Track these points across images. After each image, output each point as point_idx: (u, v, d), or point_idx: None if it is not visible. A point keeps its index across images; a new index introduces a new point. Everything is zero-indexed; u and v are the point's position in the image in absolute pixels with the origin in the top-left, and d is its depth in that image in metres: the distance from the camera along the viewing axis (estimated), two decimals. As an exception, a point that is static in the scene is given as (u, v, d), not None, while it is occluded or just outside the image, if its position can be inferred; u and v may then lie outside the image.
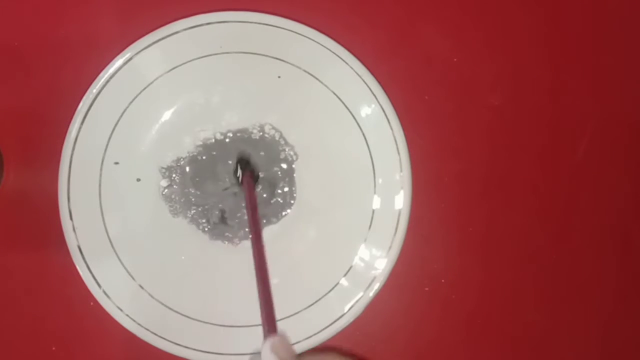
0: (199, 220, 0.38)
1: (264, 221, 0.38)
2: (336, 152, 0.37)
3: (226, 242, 0.38)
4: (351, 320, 0.36)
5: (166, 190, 0.37)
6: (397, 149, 0.37)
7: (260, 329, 0.28)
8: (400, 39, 0.38)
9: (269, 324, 0.28)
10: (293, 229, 0.38)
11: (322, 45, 0.36)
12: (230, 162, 0.38)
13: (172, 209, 0.37)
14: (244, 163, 0.37)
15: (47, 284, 0.37)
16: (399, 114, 0.37)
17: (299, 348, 0.36)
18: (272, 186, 0.38)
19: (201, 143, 0.38)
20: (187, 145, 0.37)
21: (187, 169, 0.38)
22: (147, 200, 0.37)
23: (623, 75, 0.39)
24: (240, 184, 0.37)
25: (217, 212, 0.38)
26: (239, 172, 0.37)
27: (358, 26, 0.38)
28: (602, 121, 0.39)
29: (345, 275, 0.37)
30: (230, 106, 0.37)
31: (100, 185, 0.37)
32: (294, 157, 0.38)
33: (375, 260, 0.37)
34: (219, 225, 0.38)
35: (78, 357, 0.38)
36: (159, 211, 0.37)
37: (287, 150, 0.38)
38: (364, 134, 0.37)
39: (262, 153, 0.38)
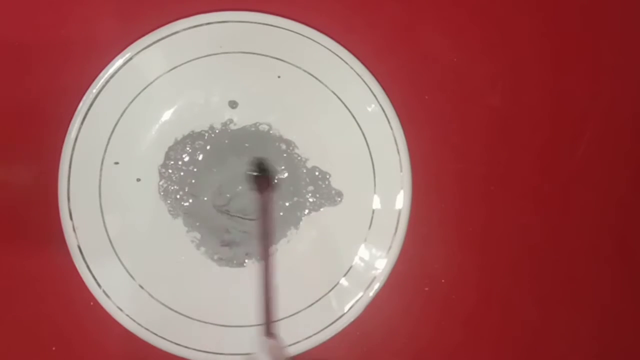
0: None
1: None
2: (336, 152, 0.37)
3: (226, 242, 0.38)
4: (351, 320, 0.36)
5: (165, 190, 0.37)
6: (397, 149, 0.37)
7: (260, 330, 0.28)
8: (400, 39, 0.38)
9: (267, 327, 0.28)
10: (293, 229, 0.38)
11: (322, 45, 0.36)
12: (228, 162, 0.38)
13: (171, 209, 0.37)
14: (260, 168, 0.37)
15: (47, 284, 0.37)
16: (399, 114, 0.37)
17: (299, 348, 0.36)
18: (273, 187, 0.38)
19: (202, 143, 0.38)
20: (187, 145, 0.38)
21: (187, 169, 0.38)
22: (147, 200, 0.37)
23: (623, 75, 0.39)
24: (258, 191, 0.36)
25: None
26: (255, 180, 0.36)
27: (358, 26, 0.38)
28: (602, 121, 0.39)
29: (345, 275, 0.37)
30: (230, 106, 0.38)
31: (100, 185, 0.37)
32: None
33: (375, 260, 0.37)
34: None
35: (78, 357, 0.38)
36: (159, 211, 0.37)
37: (288, 150, 0.38)
38: (364, 134, 0.37)
39: (263, 154, 0.38)
